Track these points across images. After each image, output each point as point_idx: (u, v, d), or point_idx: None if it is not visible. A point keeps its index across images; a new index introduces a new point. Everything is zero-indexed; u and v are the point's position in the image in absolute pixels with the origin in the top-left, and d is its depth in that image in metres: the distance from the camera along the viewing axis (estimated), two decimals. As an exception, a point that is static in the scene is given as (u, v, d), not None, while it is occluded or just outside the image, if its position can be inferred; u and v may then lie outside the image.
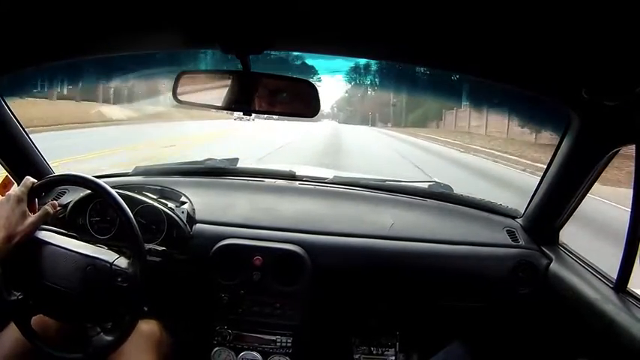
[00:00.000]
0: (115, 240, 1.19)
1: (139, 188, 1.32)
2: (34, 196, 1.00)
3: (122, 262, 0.99)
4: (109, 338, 0.96)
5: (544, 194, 1.22)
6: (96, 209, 1.27)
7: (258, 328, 1.25)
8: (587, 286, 1.06)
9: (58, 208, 1.19)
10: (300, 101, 0.91)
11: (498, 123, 14.65)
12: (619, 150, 0.97)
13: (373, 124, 25.41)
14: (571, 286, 1.11)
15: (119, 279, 0.97)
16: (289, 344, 1.24)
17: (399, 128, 23.09)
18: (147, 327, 1.12)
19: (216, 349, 1.25)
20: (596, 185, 1.11)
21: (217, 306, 1.24)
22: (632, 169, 0.86)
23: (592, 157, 1.03)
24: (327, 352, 1.45)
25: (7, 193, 1.00)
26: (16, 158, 1.26)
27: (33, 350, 0.97)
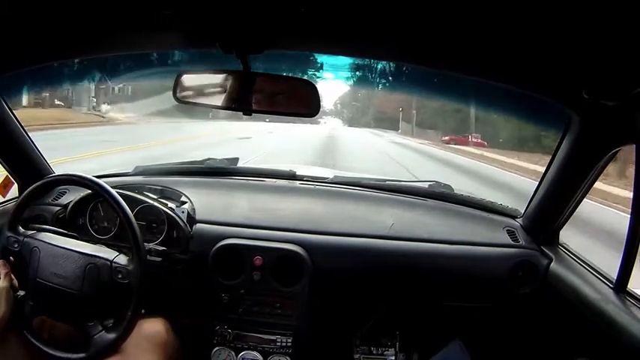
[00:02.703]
0: (115, 240, 1.19)
1: (139, 188, 1.32)
2: None
3: (122, 260, 0.99)
4: (110, 336, 0.96)
5: (544, 194, 1.22)
6: (96, 209, 1.27)
7: (259, 328, 1.25)
8: (588, 286, 1.06)
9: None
10: (301, 101, 0.91)
11: None
12: (619, 150, 0.97)
13: (406, 131, 13.03)
14: (571, 286, 1.11)
15: (119, 276, 0.97)
16: (289, 344, 1.24)
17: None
18: (151, 327, 1.12)
19: (217, 348, 1.25)
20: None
21: (217, 306, 1.24)
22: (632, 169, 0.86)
23: (592, 157, 1.03)
24: (327, 352, 1.45)
25: None
26: (16, 158, 1.26)
27: (35, 352, 0.97)
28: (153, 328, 1.13)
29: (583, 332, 1.04)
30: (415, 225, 1.34)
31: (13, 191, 1.31)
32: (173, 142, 8.95)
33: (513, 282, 1.25)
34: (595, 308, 0.98)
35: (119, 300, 0.98)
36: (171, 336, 1.16)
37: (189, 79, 0.92)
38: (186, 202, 1.32)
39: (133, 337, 1.01)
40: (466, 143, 9.99)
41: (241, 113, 0.92)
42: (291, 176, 1.54)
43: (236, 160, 1.67)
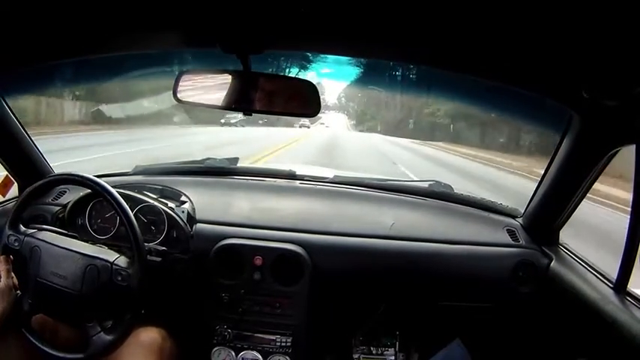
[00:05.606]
0: (115, 240, 1.19)
1: (139, 188, 1.32)
2: None
3: (122, 262, 0.99)
4: (109, 338, 0.96)
5: (544, 194, 1.22)
6: (96, 209, 1.27)
7: (259, 328, 1.25)
8: (588, 286, 1.06)
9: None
10: (301, 101, 0.91)
11: None
12: (619, 150, 0.97)
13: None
14: (571, 285, 1.11)
15: (119, 278, 0.97)
16: (289, 344, 1.24)
17: None
18: (148, 335, 1.12)
19: (216, 348, 1.25)
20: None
21: (218, 305, 1.24)
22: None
23: (592, 157, 1.03)
24: (327, 352, 1.45)
25: None
26: (16, 158, 1.26)
27: (33, 350, 0.97)
28: (150, 335, 1.12)
29: (583, 332, 1.04)
30: (415, 225, 1.34)
31: (13, 191, 1.31)
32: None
33: (513, 281, 1.25)
34: (595, 308, 0.98)
35: (118, 302, 0.98)
36: (168, 343, 1.16)
37: (190, 79, 0.92)
38: (186, 202, 1.32)
39: (130, 344, 1.01)
40: None
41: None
42: (291, 176, 1.54)
43: (236, 159, 1.67)
